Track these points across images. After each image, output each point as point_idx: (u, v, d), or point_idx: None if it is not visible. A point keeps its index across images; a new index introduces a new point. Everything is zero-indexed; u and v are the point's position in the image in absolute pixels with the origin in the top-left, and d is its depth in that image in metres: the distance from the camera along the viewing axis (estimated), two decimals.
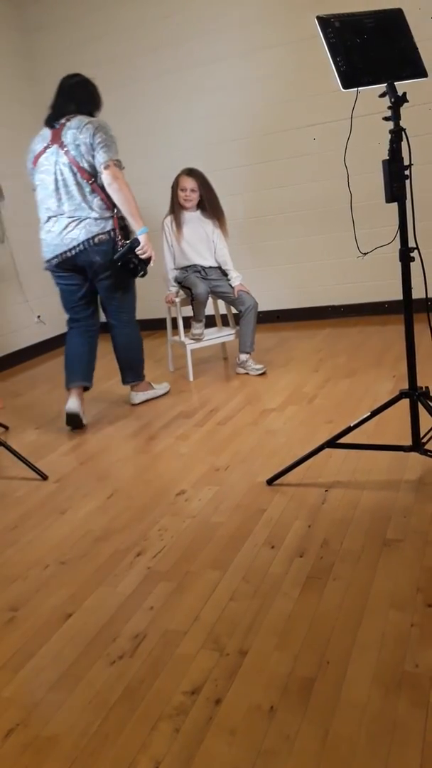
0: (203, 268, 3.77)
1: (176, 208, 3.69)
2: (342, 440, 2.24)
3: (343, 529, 1.96)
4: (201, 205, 3.71)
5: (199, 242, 3.72)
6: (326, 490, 2.21)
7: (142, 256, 3.05)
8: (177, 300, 3.80)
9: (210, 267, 3.79)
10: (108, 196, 3.00)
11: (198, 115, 4.69)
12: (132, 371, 3.42)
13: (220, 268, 3.81)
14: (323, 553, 1.85)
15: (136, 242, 3.02)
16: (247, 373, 3.71)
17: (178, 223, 3.68)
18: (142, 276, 3.13)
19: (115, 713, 1.39)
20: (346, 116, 4.18)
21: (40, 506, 2.43)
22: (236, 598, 1.71)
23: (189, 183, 3.60)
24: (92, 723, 1.37)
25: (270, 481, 2.32)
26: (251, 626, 1.59)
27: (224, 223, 3.76)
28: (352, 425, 2.23)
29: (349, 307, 4.65)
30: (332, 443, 2.24)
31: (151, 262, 3.09)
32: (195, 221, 3.71)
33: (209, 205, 3.69)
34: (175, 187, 3.65)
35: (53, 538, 2.18)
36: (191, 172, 3.62)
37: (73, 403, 3.18)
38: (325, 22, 1.93)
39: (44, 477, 2.67)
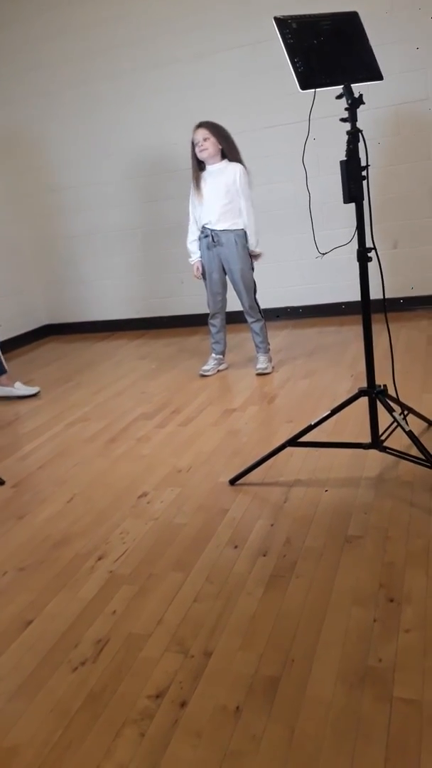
0: (213, 232, 3.48)
1: (194, 170, 3.47)
2: (302, 439, 2.26)
3: (305, 527, 1.97)
4: (225, 155, 3.43)
5: (216, 197, 3.43)
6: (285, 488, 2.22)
7: None
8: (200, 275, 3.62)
9: (223, 230, 3.47)
10: None
11: (156, 116, 4.67)
12: None
13: (243, 231, 3.47)
14: (286, 551, 1.86)
15: None
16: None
17: (198, 183, 3.47)
18: None
19: (78, 720, 1.36)
20: (306, 118, 4.22)
21: None
22: (200, 599, 1.70)
23: (200, 134, 3.38)
24: (54, 731, 1.34)
25: (232, 481, 2.32)
26: (215, 627, 1.58)
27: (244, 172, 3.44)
28: (312, 424, 2.25)
29: (307, 308, 4.70)
30: (293, 442, 2.25)
31: None
32: (216, 174, 3.43)
33: (230, 152, 3.41)
34: (192, 147, 3.44)
35: (11, 544, 2.13)
36: (200, 124, 3.40)
37: None
38: (282, 23, 1.94)
39: (1, 482, 2.61)
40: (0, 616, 1.75)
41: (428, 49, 3.96)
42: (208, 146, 3.39)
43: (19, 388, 3.76)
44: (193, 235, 3.61)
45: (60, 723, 1.36)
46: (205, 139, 3.38)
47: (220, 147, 3.40)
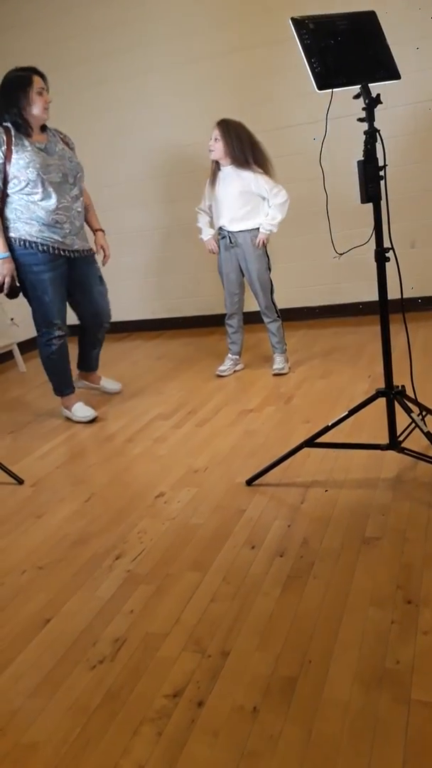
0: (229, 233, 3.49)
1: (213, 164, 3.47)
2: (320, 440, 2.25)
3: (323, 528, 1.97)
4: (235, 160, 3.37)
5: (229, 201, 3.42)
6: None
7: None
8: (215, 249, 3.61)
9: (239, 231, 3.47)
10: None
11: (172, 117, 4.68)
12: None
13: (257, 229, 3.45)
14: (303, 552, 1.85)
15: None
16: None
17: (213, 180, 3.48)
18: (10, 297, 3.20)
19: (96, 718, 1.37)
20: (321, 118, 4.21)
21: (16, 511, 2.40)
22: (217, 599, 1.70)
23: (213, 132, 3.35)
24: (73, 729, 1.35)
25: (249, 482, 2.32)
26: (232, 627, 1.59)
27: (264, 170, 3.38)
28: (329, 425, 2.24)
29: (324, 308, 4.68)
30: (310, 443, 2.25)
31: (4, 289, 3.09)
32: (231, 177, 3.40)
33: (237, 154, 3.32)
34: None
35: (30, 542, 2.15)
36: (218, 122, 3.35)
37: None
38: (299, 23, 1.93)
39: (20, 481, 2.63)
40: (19, 614, 1.77)
41: (429, 49, 3.94)
42: (216, 147, 3.36)
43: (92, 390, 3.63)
44: (202, 218, 3.61)
45: (78, 721, 1.37)
46: (215, 139, 3.36)
47: (231, 150, 3.34)
